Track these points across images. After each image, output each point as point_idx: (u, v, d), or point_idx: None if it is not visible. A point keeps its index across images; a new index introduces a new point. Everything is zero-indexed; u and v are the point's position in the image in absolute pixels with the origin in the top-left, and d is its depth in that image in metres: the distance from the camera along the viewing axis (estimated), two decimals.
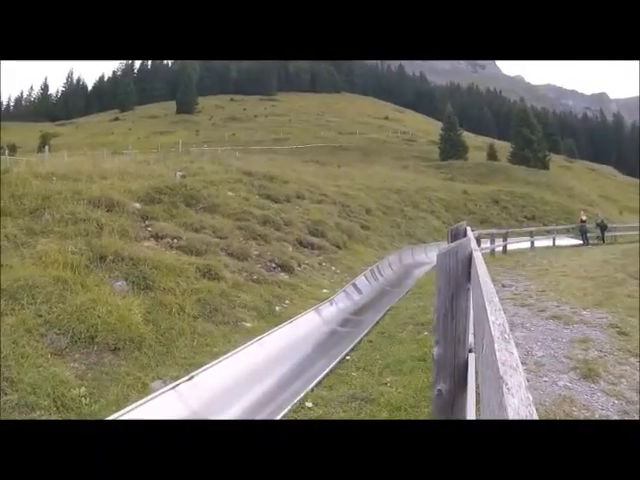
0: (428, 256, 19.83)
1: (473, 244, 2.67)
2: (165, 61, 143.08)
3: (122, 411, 4.79)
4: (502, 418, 0.91)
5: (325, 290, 11.66)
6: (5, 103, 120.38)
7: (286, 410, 5.48)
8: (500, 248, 20.53)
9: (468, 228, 5.47)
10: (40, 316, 6.47)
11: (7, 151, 31.01)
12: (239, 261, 11.12)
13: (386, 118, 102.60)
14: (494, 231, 21.46)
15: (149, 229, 10.84)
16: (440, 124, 70.65)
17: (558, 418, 4.63)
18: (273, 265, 11.94)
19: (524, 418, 0.87)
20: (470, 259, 2.38)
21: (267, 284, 10.64)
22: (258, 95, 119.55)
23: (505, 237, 21.23)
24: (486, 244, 19.38)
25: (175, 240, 10.62)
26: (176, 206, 12.42)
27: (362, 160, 52.43)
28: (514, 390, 0.88)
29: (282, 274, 11.78)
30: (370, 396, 5.64)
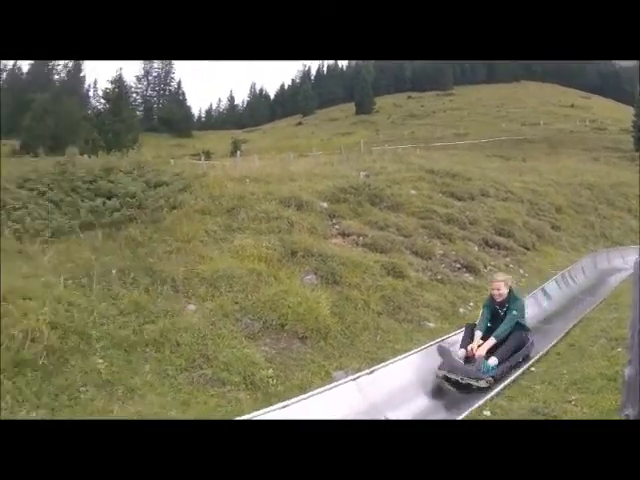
0: (626, 261, 17.67)
1: None
2: (340, 65, 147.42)
3: (304, 395, 4.96)
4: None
5: None
6: (197, 115, 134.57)
7: (463, 415, 5.27)
8: None
9: None
10: (236, 303, 7.10)
11: (203, 157, 34.99)
12: (423, 260, 11.01)
13: (572, 106, 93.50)
14: None
15: (336, 227, 11.24)
16: (631, 109, 62.38)
17: None
18: (458, 265, 11.59)
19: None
20: None
21: (451, 284, 10.39)
22: (434, 91, 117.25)
23: None
24: None
25: (361, 238, 10.85)
26: (361, 205, 12.68)
27: (549, 153, 48.59)
28: None
29: (467, 275, 11.39)
30: (552, 412, 5.16)
